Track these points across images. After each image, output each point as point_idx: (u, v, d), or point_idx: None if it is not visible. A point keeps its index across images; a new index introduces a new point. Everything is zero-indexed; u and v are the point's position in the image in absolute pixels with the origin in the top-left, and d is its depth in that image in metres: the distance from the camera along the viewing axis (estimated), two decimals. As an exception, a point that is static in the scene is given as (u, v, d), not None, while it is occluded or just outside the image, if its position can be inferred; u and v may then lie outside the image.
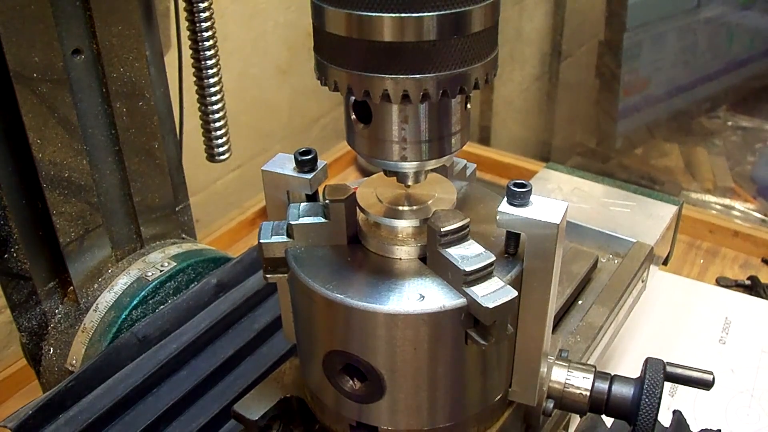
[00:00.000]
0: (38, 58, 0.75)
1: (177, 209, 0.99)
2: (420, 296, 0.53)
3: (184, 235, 1.01)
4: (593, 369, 0.64)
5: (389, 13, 0.46)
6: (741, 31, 1.85)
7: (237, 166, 1.51)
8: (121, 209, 0.91)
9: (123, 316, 0.85)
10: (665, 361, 0.63)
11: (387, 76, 0.48)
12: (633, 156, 1.92)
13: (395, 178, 0.58)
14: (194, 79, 0.91)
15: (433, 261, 0.55)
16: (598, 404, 0.63)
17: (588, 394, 0.63)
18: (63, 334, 0.86)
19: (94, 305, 0.86)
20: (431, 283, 0.54)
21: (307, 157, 0.59)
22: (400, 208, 0.57)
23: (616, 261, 0.96)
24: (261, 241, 0.58)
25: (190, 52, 0.89)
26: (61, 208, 0.82)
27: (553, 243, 0.53)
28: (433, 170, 0.60)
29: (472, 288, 0.51)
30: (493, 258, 0.52)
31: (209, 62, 0.89)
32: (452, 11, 0.46)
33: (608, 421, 0.72)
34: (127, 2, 0.82)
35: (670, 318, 1.16)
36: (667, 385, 0.66)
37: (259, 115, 1.55)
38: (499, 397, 0.61)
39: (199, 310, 0.87)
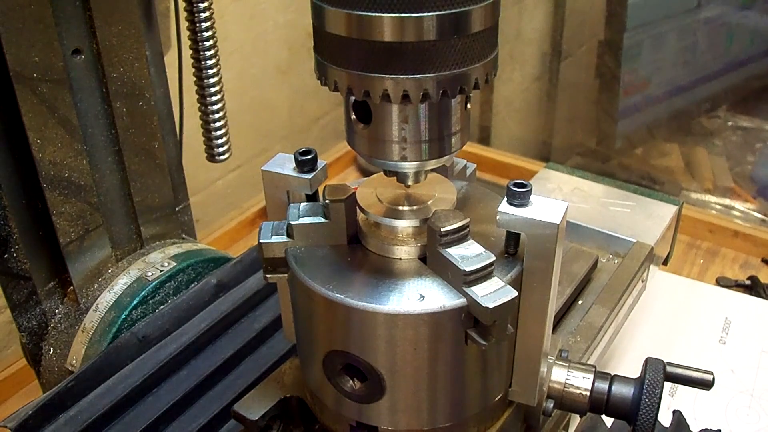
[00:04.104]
0: (38, 58, 0.75)
1: (177, 209, 0.99)
2: (420, 296, 0.53)
3: (184, 235, 1.01)
4: (593, 369, 0.64)
5: (389, 13, 0.46)
6: (741, 31, 1.85)
7: (237, 166, 1.51)
8: (121, 209, 0.91)
9: (123, 316, 0.85)
10: (665, 361, 0.63)
11: (387, 76, 0.48)
12: (633, 156, 1.92)
13: (395, 178, 0.58)
14: (194, 79, 0.91)
15: (433, 261, 0.55)
16: (598, 404, 0.63)
17: (588, 394, 0.63)
18: (63, 334, 0.86)
19: (94, 305, 0.86)
20: (431, 283, 0.54)
21: (307, 157, 0.59)
22: (400, 208, 0.57)
23: (616, 261, 0.96)
24: (261, 241, 0.58)
25: (190, 52, 0.89)
26: (61, 208, 0.82)
27: (553, 243, 0.53)
28: (433, 170, 0.60)
29: (472, 288, 0.51)
30: (493, 258, 0.52)
31: (209, 62, 0.89)
32: (452, 11, 0.46)
33: (608, 421, 0.72)
34: (127, 2, 0.82)
35: (670, 318, 1.16)
36: (667, 385, 0.66)
37: (259, 115, 1.55)
38: (499, 397, 0.61)
39: (199, 310, 0.87)
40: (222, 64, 0.91)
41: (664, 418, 0.68)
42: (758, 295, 1.23)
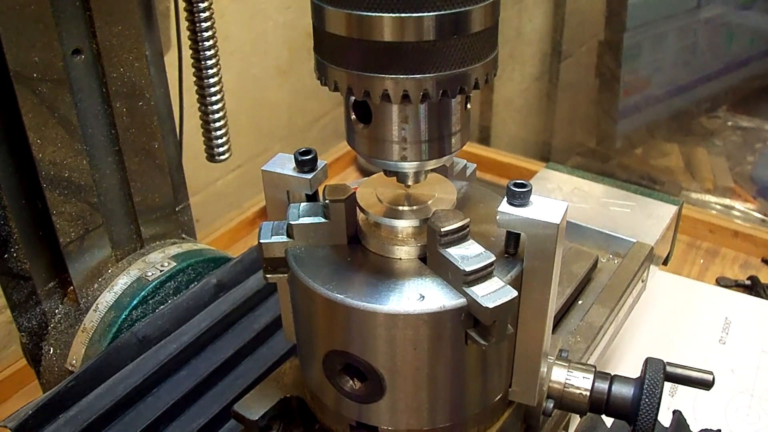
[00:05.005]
0: (38, 58, 0.75)
1: (177, 209, 0.99)
2: (420, 296, 0.53)
3: (184, 235, 1.01)
4: (593, 369, 0.64)
5: (389, 13, 0.46)
6: (741, 31, 1.85)
7: (237, 166, 1.51)
8: (121, 209, 0.91)
9: (123, 316, 0.85)
10: (665, 361, 0.63)
11: (387, 76, 0.48)
12: (633, 156, 1.92)
13: (395, 178, 0.58)
14: (194, 79, 0.91)
15: (433, 261, 0.55)
16: (598, 404, 0.63)
17: (588, 394, 0.63)
18: (63, 334, 0.86)
19: (94, 305, 0.86)
20: (431, 283, 0.54)
21: (307, 157, 0.59)
22: (400, 208, 0.57)
23: (616, 261, 0.96)
24: (261, 241, 0.58)
25: (190, 52, 0.89)
26: (61, 208, 0.82)
27: (553, 243, 0.53)
28: (433, 170, 0.60)
29: (472, 288, 0.51)
30: (493, 258, 0.52)
31: (209, 62, 0.89)
32: (452, 11, 0.46)
33: (608, 421, 0.72)
34: (127, 2, 0.82)
35: (670, 318, 1.16)
36: (667, 385, 0.66)
37: (259, 115, 1.55)
38: (499, 397, 0.61)
39: (199, 310, 0.87)
40: (222, 64, 0.91)
41: (664, 418, 0.68)
42: (758, 295, 1.23)
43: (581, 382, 0.63)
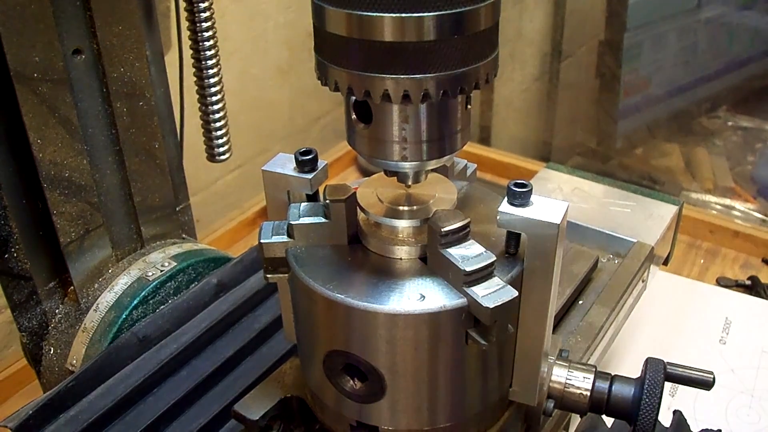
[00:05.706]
0: (38, 58, 0.75)
1: (177, 209, 0.99)
2: (420, 296, 0.53)
3: (184, 235, 1.01)
4: (593, 369, 0.64)
5: (390, 13, 0.46)
6: (741, 31, 1.85)
7: (237, 166, 1.51)
8: (122, 209, 0.91)
9: (123, 316, 0.85)
10: (665, 361, 0.63)
11: (387, 76, 0.48)
12: (633, 156, 1.92)
13: (396, 178, 0.58)
14: (194, 79, 0.91)
15: (433, 261, 0.55)
16: (598, 404, 0.63)
17: (588, 394, 0.63)
18: (63, 334, 0.86)
19: (95, 305, 0.86)
20: (432, 283, 0.54)
21: (308, 157, 0.59)
22: (401, 208, 0.57)
23: (616, 261, 0.96)
24: (261, 241, 0.58)
25: (191, 52, 0.89)
26: (62, 208, 0.82)
27: (554, 243, 0.53)
28: (433, 170, 0.60)
29: (473, 288, 0.51)
30: (494, 258, 0.52)
31: (209, 62, 0.89)
32: (452, 11, 0.46)
33: (608, 421, 0.72)
34: (128, 2, 0.82)
35: (670, 318, 1.16)
36: (667, 385, 0.66)
37: (259, 115, 1.55)
38: (499, 397, 0.61)
39: (199, 310, 0.87)
40: (222, 64, 0.91)
41: (665, 418, 0.68)
42: (758, 295, 1.23)
43: (582, 382, 0.63)
